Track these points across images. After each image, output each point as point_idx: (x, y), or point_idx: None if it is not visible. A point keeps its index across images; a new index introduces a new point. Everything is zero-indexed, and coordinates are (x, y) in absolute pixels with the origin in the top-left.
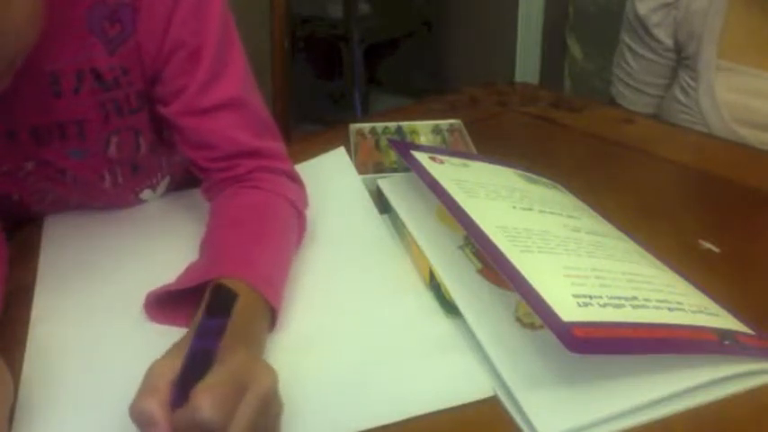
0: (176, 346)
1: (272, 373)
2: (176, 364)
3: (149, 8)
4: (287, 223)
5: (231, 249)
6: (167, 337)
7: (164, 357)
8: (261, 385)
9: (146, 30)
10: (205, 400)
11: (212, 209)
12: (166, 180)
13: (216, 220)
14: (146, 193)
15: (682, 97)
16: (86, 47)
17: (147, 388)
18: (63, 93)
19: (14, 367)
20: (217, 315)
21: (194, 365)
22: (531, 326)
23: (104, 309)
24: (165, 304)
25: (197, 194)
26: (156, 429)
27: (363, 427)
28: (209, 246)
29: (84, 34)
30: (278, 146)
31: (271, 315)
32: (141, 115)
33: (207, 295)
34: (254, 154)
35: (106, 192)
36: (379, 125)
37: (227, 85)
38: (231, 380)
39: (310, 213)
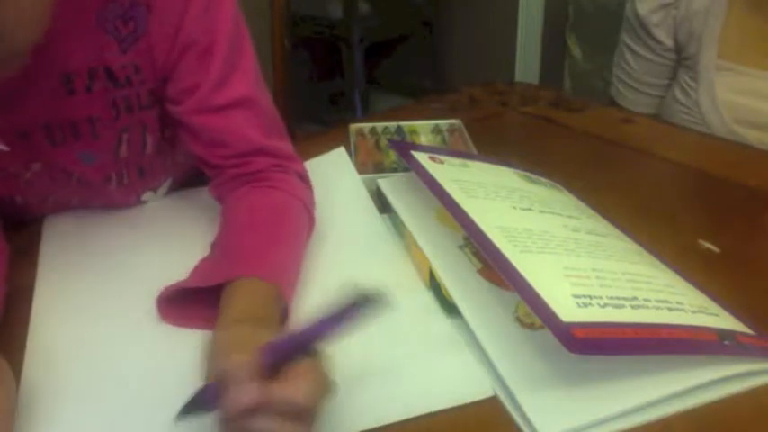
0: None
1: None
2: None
3: (162, 7)
4: (300, 224)
5: (249, 250)
6: (168, 337)
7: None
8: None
9: (158, 29)
10: (306, 383)
11: (227, 207)
12: (168, 182)
13: (232, 220)
14: (147, 195)
15: (682, 97)
16: (100, 45)
17: (238, 349)
18: (76, 91)
19: (14, 367)
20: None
21: (299, 344)
22: (531, 326)
23: (104, 309)
24: (176, 302)
25: (198, 194)
26: (248, 387)
27: (363, 427)
28: (225, 245)
29: (97, 33)
30: (288, 146)
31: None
32: (151, 112)
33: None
34: (266, 152)
35: (109, 193)
36: (379, 125)
37: (240, 83)
38: (324, 371)
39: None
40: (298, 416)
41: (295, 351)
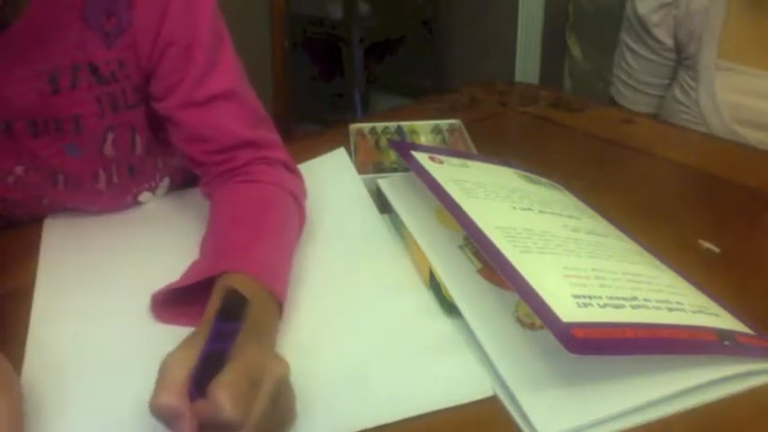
0: (189, 340)
1: (282, 365)
2: (191, 356)
3: (144, 3)
4: (287, 215)
5: (234, 245)
6: (168, 336)
7: (177, 350)
8: (273, 377)
9: (141, 25)
10: (225, 398)
11: (212, 205)
12: (165, 182)
13: (217, 217)
14: (144, 196)
15: (682, 97)
16: (84, 41)
17: (165, 382)
18: (60, 89)
19: (14, 367)
20: (230, 319)
21: (208, 365)
22: (531, 326)
23: (104, 309)
24: (170, 303)
25: (196, 194)
26: (183, 423)
27: (363, 427)
28: (211, 242)
29: (81, 28)
30: (273, 136)
31: (278, 306)
32: (137, 111)
33: (219, 300)
34: (250, 145)
35: (102, 194)
36: (379, 125)
37: (222, 76)
38: (246, 376)
39: (310, 212)
40: (230, 428)
41: (210, 369)
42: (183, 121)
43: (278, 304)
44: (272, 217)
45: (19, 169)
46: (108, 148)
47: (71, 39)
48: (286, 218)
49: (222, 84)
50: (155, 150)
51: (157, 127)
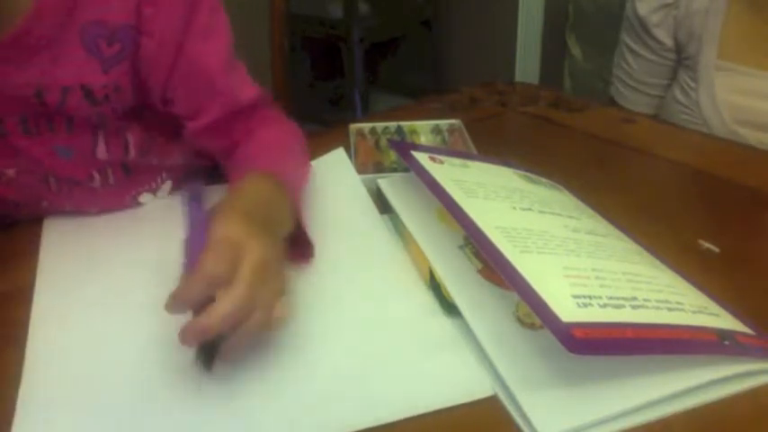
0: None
1: (265, 247)
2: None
3: (161, 31)
4: (302, 150)
5: (261, 163)
6: (168, 336)
7: None
8: (253, 255)
9: (154, 53)
10: (207, 258)
11: (241, 151)
12: (168, 185)
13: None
14: (145, 197)
15: (682, 97)
16: (80, 65)
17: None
18: (46, 105)
19: (14, 367)
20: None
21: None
22: (532, 326)
23: (104, 309)
24: None
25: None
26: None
27: (363, 427)
28: (239, 166)
29: (77, 51)
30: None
31: (292, 214)
32: (127, 125)
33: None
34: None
35: (99, 195)
36: (379, 125)
37: (247, 86)
38: (228, 243)
39: (310, 212)
40: (222, 282)
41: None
42: (222, 132)
43: (293, 212)
44: (291, 152)
45: (11, 171)
46: (101, 151)
47: (65, 61)
48: (302, 152)
49: (250, 93)
50: (150, 150)
51: (151, 128)
